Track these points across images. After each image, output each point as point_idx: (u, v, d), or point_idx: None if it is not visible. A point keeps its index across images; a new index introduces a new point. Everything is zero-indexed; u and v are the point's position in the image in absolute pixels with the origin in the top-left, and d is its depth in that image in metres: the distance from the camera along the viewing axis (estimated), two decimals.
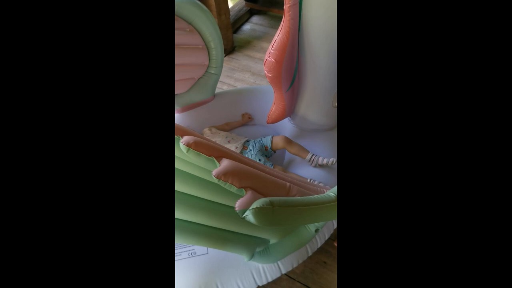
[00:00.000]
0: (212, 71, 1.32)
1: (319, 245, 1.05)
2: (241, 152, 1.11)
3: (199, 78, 1.32)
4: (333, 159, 1.05)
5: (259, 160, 1.08)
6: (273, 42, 0.91)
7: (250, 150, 1.12)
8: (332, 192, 0.63)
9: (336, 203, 0.58)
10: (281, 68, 0.93)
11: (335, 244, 1.15)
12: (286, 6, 0.83)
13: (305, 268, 1.12)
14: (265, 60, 0.94)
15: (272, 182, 0.60)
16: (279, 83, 0.98)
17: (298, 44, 0.95)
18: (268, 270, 0.97)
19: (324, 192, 0.64)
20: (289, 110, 1.13)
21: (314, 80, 1.04)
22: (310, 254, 1.04)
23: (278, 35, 0.89)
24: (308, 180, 1.01)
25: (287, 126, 1.26)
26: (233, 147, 1.12)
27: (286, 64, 0.93)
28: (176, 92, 1.27)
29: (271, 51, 0.91)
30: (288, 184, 0.62)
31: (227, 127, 1.30)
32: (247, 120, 1.33)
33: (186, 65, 1.22)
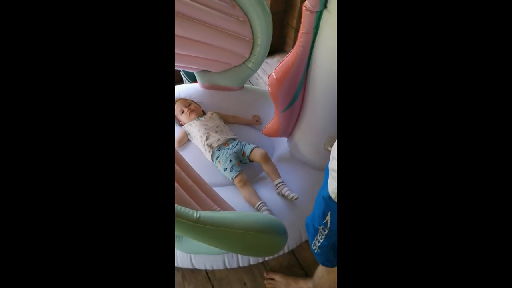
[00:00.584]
0: (249, 65, 1.37)
1: (240, 264, 1.05)
2: (219, 147, 1.15)
3: (234, 66, 1.37)
4: (294, 195, 1.02)
5: (230, 161, 1.10)
6: (282, 60, 0.91)
7: (229, 148, 1.15)
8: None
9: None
10: (280, 87, 0.93)
11: (265, 274, 1.13)
12: (300, 32, 0.82)
13: (226, 277, 1.13)
14: (270, 74, 0.95)
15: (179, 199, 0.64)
16: (275, 101, 0.98)
17: (307, 72, 0.93)
18: (181, 258, 1.02)
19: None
20: (284, 131, 1.12)
21: (311, 114, 1.01)
22: (227, 266, 1.05)
23: (287, 56, 0.89)
24: (258, 203, 1.01)
25: (283, 145, 1.25)
26: (216, 137, 1.17)
27: (286, 85, 0.93)
28: (208, 69, 1.36)
29: (277, 68, 0.92)
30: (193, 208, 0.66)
31: (232, 120, 1.34)
32: (254, 122, 1.35)
33: (226, 50, 1.29)
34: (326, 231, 0.64)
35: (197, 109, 1.28)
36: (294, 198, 1.02)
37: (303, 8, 0.77)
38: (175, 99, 1.33)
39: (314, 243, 0.70)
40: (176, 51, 1.17)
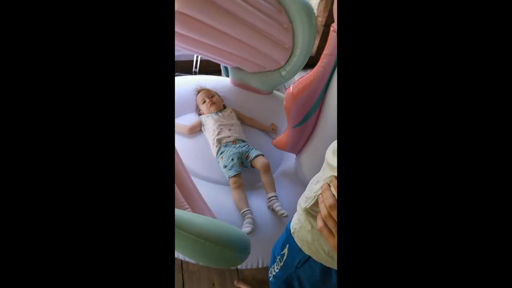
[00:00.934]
0: (283, 73, 1.35)
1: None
2: (226, 144, 1.15)
3: (268, 70, 1.36)
4: (284, 212, 0.99)
5: (232, 159, 1.10)
6: (302, 76, 0.88)
7: (235, 147, 1.14)
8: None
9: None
10: (294, 102, 0.91)
11: (235, 283, 1.12)
12: (323, 52, 0.79)
13: (198, 271, 1.14)
14: (287, 87, 0.92)
15: None
16: (288, 115, 0.95)
17: (325, 94, 0.89)
18: None
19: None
20: (292, 147, 1.08)
21: (320, 138, 0.97)
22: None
23: (308, 73, 0.86)
24: (244, 210, 0.99)
25: (290, 160, 1.22)
26: (227, 134, 1.17)
27: (300, 102, 0.90)
28: (242, 67, 1.36)
29: (295, 83, 0.89)
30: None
31: (248, 121, 1.34)
32: (269, 129, 1.34)
33: (263, 53, 1.29)
34: (281, 263, 0.61)
35: (218, 103, 1.30)
36: (283, 215, 0.99)
37: (331, 28, 0.74)
38: (200, 88, 1.35)
39: (271, 270, 0.67)
40: (215, 44, 1.19)
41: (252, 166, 1.14)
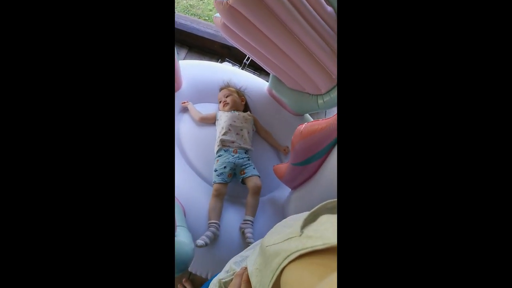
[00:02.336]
0: (319, 101, 1.27)
1: None
2: (227, 149, 1.12)
3: (306, 92, 1.29)
4: (251, 241, 0.96)
5: (224, 167, 1.07)
6: (317, 120, 0.82)
7: (234, 156, 1.11)
8: None
9: None
10: (299, 142, 0.85)
11: (183, 281, 1.12)
12: None
13: None
14: (300, 124, 0.87)
15: None
16: (292, 150, 0.90)
17: (332, 148, 0.82)
18: None
19: None
20: (288, 181, 1.03)
21: (313, 188, 0.90)
22: None
23: (323, 120, 0.80)
24: (212, 221, 0.98)
25: (286, 191, 1.16)
26: (232, 139, 1.14)
27: (305, 144, 0.84)
28: (282, 79, 1.31)
29: (308, 123, 0.83)
30: None
31: (263, 134, 1.29)
32: (281, 150, 1.28)
33: (307, 75, 1.22)
34: None
35: (234, 104, 1.25)
36: (249, 243, 0.96)
37: None
38: (223, 86, 1.33)
39: None
40: (259, 49, 1.15)
41: (243, 183, 1.10)
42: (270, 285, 0.27)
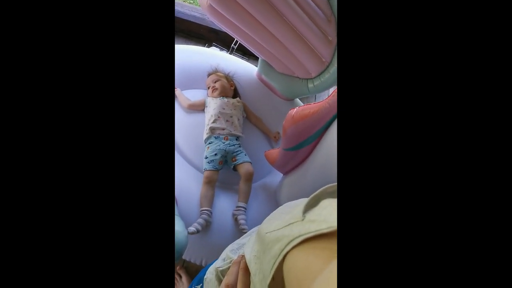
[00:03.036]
0: (309, 85, 1.26)
1: None
2: (218, 136, 1.11)
3: (296, 76, 1.28)
4: (245, 227, 0.96)
5: (215, 154, 1.06)
6: (308, 104, 0.81)
7: (225, 143, 1.09)
8: None
9: None
10: (291, 126, 0.84)
11: (177, 268, 1.12)
12: (335, 89, 0.71)
13: None
14: (292, 109, 0.85)
15: None
16: (283, 135, 0.89)
17: (325, 131, 0.81)
18: None
19: None
20: (279, 166, 1.03)
21: (306, 171, 0.90)
22: None
23: (314, 104, 0.79)
24: (204, 208, 0.97)
25: (278, 177, 1.16)
26: (222, 126, 1.12)
27: (297, 129, 0.83)
28: (271, 64, 1.29)
29: (300, 108, 0.82)
30: None
31: (254, 120, 1.28)
32: (272, 136, 1.27)
33: (297, 59, 1.20)
34: None
35: (223, 89, 1.22)
36: (242, 230, 0.96)
37: None
38: (211, 72, 1.29)
39: None
40: (249, 33, 1.12)
41: (235, 170, 1.09)
42: (272, 272, 0.26)
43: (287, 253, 0.25)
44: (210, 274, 0.50)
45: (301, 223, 0.26)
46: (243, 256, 0.38)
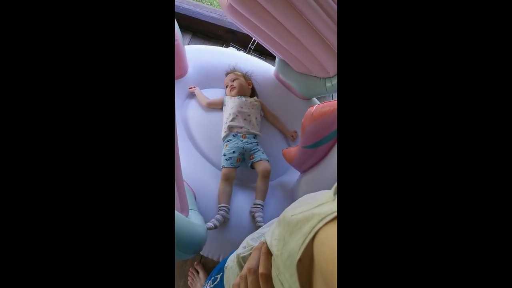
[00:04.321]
0: (327, 84, 1.26)
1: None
2: (236, 134, 1.12)
3: (313, 76, 1.28)
4: (261, 225, 0.96)
5: (233, 152, 1.07)
6: (327, 101, 0.81)
7: (242, 141, 1.10)
8: None
9: None
10: (310, 124, 0.84)
11: (195, 264, 1.14)
12: None
13: None
14: (311, 106, 0.86)
15: None
16: (302, 133, 0.89)
17: None
18: None
19: None
20: (298, 165, 1.03)
21: (324, 171, 0.90)
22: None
23: (333, 101, 0.79)
24: (222, 205, 0.98)
25: (295, 175, 1.16)
26: (240, 124, 1.13)
27: (316, 126, 0.83)
28: (289, 63, 1.29)
29: (319, 105, 0.82)
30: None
31: (271, 119, 1.28)
32: (289, 135, 1.27)
33: (315, 58, 1.20)
34: (212, 286, 0.60)
35: (241, 88, 1.24)
36: (258, 226, 0.96)
37: None
38: (229, 71, 1.31)
39: (205, 284, 0.65)
40: (268, 32, 1.13)
41: (252, 168, 1.10)
42: (302, 250, 0.27)
43: (318, 230, 0.26)
44: (231, 262, 0.51)
45: (333, 202, 0.26)
46: (264, 242, 0.39)
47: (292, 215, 0.32)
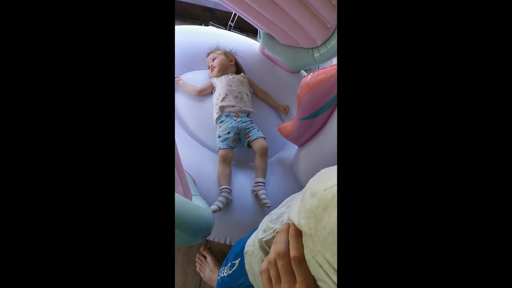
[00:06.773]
0: (315, 54, 1.23)
1: None
2: (228, 114, 1.08)
3: (300, 47, 1.24)
4: (268, 202, 0.95)
5: (228, 132, 1.04)
6: (323, 68, 0.78)
7: (236, 120, 1.07)
8: None
9: None
10: (307, 94, 0.82)
11: (201, 250, 1.13)
12: None
13: None
14: (305, 75, 0.83)
15: None
16: (298, 104, 0.87)
17: None
18: None
19: None
20: (295, 138, 1.01)
21: (323, 140, 0.89)
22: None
23: (329, 67, 0.76)
24: (223, 187, 0.96)
25: (293, 149, 1.14)
26: (231, 103, 1.09)
27: (313, 95, 0.81)
28: (274, 36, 1.24)
29: (314, 73, 0.79)
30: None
31: (261, 95, 1.25)
32: (281, 110, 1.25)
33: (301, 27, 1.16)
34: (230, 272, 0.58)
35: (222, 66, 1.19)
36: (265, 205, 0.95)
37: None
38: (210, 51, 1.26)
39: (221, 270, 0.64)
40: (250, 3, 1.07)
41: (249, 147, 1.08)
42: None
43: None
44: (251, 247, 0.48)
45: None
46: (289, 223, 0.37)
47: (325, 190, 0.30)
